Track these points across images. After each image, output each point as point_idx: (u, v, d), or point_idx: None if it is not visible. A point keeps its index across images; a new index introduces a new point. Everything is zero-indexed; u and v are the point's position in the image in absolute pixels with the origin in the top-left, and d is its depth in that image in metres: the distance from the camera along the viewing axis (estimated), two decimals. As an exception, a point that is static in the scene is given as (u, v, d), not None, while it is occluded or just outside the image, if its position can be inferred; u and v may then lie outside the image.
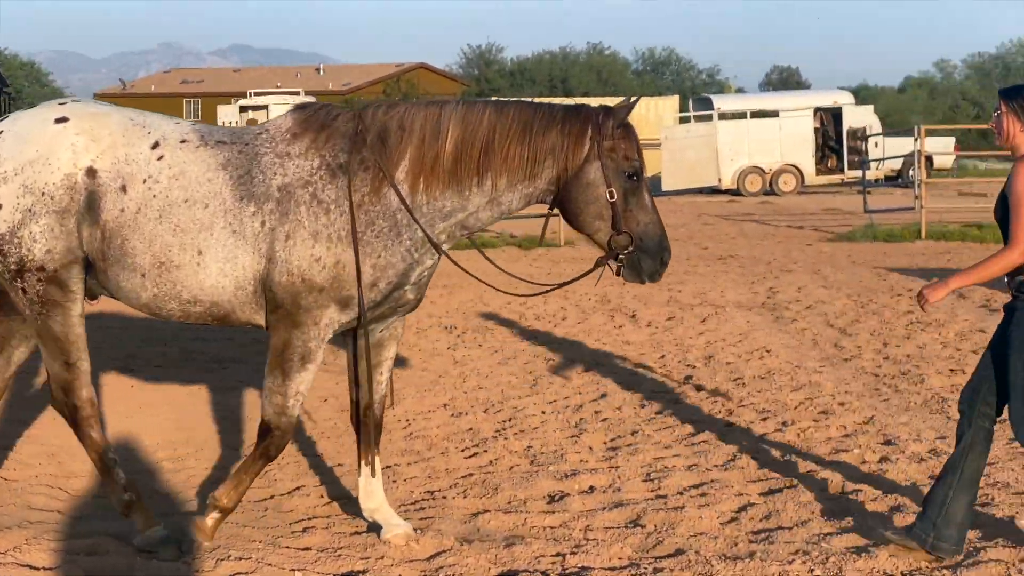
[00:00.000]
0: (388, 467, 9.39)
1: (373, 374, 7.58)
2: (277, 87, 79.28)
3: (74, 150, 6.97)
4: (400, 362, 12.75)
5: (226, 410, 10.86)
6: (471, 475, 9.15)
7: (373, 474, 7.61)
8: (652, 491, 8.60)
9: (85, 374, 7.23)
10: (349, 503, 8.41)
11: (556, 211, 7.34)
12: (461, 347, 14.14)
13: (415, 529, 7.63)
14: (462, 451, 9.82)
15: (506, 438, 10.13)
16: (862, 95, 68.19)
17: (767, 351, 13.67)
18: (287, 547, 7.38)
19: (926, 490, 8.37)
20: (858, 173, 43.45)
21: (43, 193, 6.91)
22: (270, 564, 6.90)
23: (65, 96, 46.55)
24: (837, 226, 30.85)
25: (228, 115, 59.21)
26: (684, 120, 54.55)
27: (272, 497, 8.69)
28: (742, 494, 8.47)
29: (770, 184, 48.24)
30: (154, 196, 6.95)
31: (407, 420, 10.71)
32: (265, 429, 7.19)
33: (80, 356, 7.18)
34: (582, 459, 9.39)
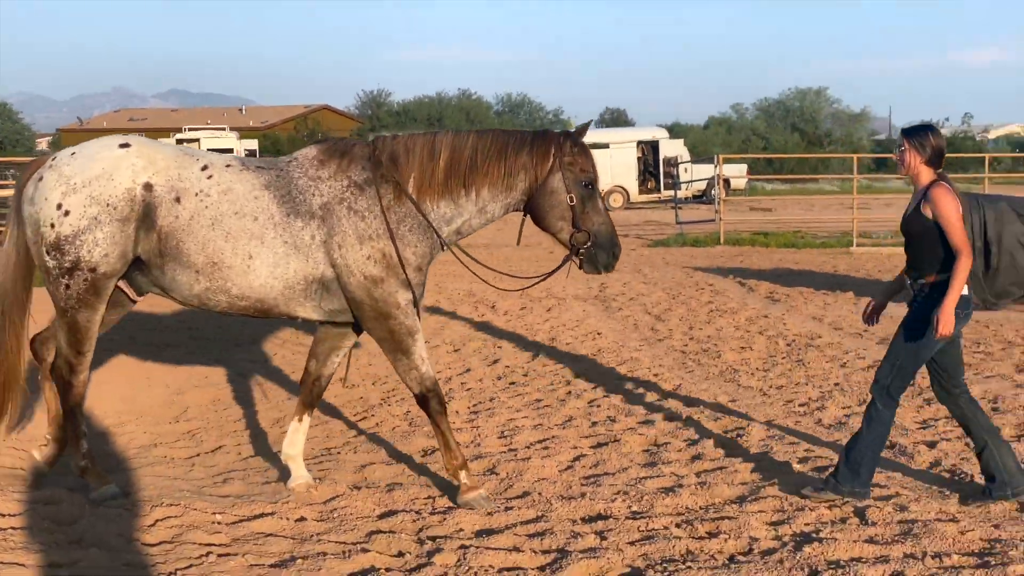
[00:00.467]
0: (294, 429, 9.31)
1: (331, 355, 7.59)
2: (207, 123, 78.16)
3: (133, 169, 6.85)
4: (305, 344, 12.64)
5: (163, 385, 10.67)
6: (361, 435, 9.09)
7: (299, 427, 7.59)
8: (505, 446, 8.60)
9: (88, 362, 7.13)
10: (262, 459, 8.33)
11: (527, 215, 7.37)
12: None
13: (315, 479, 7.57)
14: (354, 415, 9.75)
15: (389, 405, 10.07)
16: (675, 131, 68.70)
17: (598, 334, 13.72)
18: (210, 495, 7.29)
19: (723, 442, 8.49)
20: (671, 193, 43.82)
21: (108, 204, 6.77)
22: (195, 509, 6.79)
23: (33, 132, 45.77)
24: (655, 234, 31.10)
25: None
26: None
27: (198, 455, 8.55)
28: (576, 447, 8.50)
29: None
30: (206, 207, 6.84)
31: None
32: (422, 398, 7.16)
33: (90, 347, 7.08)
34: (450, 421, 9.35)
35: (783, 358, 12.01)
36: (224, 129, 63.04)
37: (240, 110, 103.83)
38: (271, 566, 5.96)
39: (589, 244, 7.11)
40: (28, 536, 6.24)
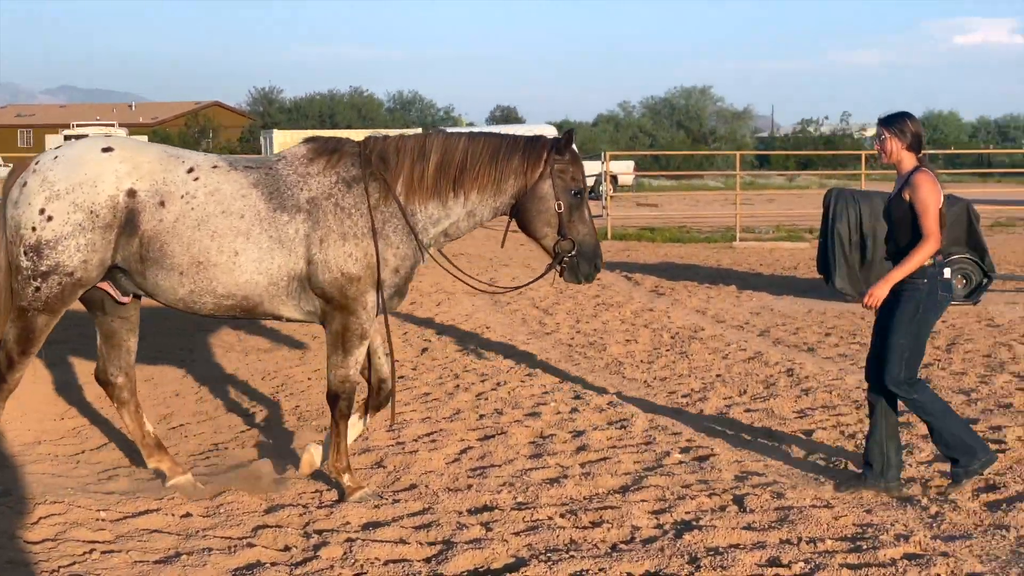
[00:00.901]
0: (181, 425, 9.18)
1: (379, 355, 7.54)
2: (97, 120, 76.67)
3: (117, 175, 6.70)
4: (204, 343, 12.48)
5: (48, 381, 10.43)
6: (249, 430, 8.99)
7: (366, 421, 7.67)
8: (393, 439, 8.57)
9: (28, 363, 6.99)
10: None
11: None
12: (244, 329, 13.82)
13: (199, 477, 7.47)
14: (243, 410, 9.64)
15: (278, 400, 9.98)
16: (564, 128, 69.12)
17: (487, 327, 13.74)
18: (95, 492, 7.16)
19: (604, 434, 8.56)
20: (561, 189, 44.00)
21: (91, 211, 6.62)
22: (79, 506, 6.66)
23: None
24: (544, 230, 31.18)
25: (55, 143, 56.86)
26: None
27: (83, 452, 8.40)
28: (464, 440, 8.51)
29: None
30: (192, 209, 6.72)
31: (197, 387, 10.45)
32: (334, 396, 7.09)
33: (35, 350, 6.93)
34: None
35: (667, 350, 12.14)
36: (113, 125, 61.85)
37: (130, 106, 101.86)
38: (155, 562, 5.87)
39: (573, 253, 7.10)
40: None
